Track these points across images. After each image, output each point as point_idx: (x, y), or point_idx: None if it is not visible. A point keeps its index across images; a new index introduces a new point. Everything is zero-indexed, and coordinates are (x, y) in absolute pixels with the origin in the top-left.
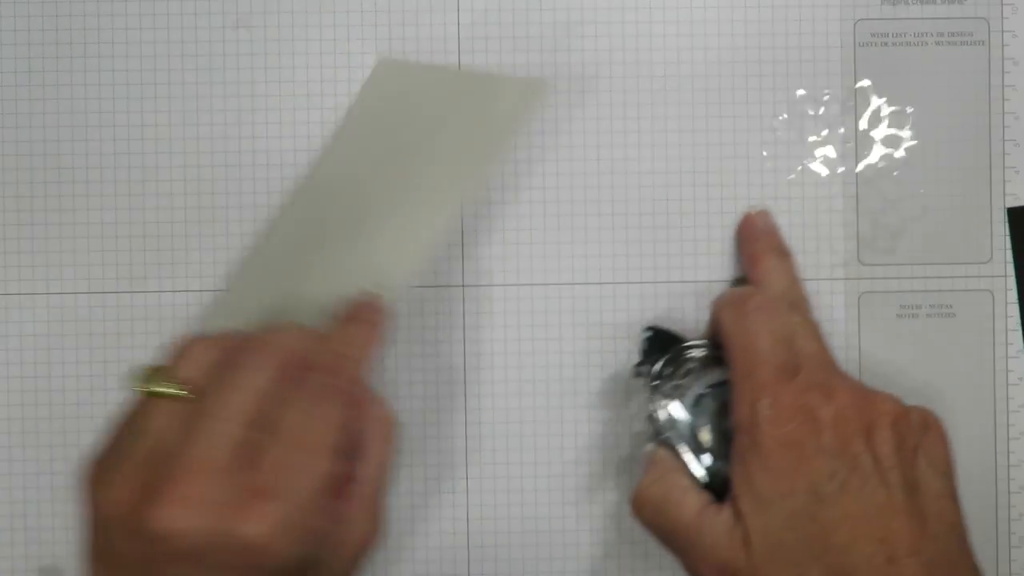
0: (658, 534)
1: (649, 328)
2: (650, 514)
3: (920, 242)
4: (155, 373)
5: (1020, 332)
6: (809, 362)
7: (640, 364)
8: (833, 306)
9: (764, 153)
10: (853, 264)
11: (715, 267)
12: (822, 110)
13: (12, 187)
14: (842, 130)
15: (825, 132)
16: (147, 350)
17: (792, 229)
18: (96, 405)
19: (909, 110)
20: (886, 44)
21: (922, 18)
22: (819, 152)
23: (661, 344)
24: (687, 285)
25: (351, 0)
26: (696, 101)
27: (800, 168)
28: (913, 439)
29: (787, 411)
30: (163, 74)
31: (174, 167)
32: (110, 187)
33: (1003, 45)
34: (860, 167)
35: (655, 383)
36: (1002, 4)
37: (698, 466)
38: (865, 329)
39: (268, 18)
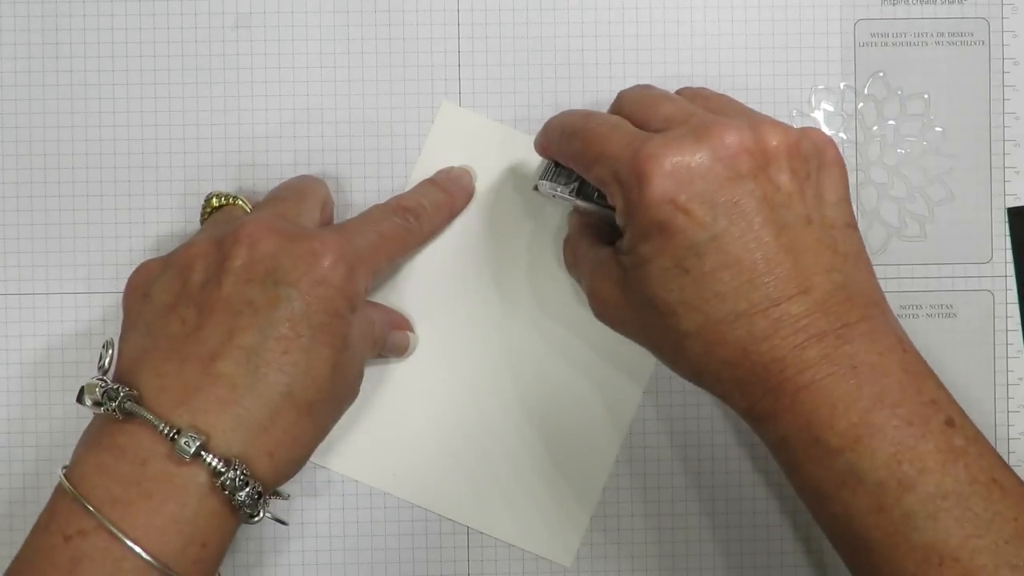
0: (573, 275)
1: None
2: (565, 259)
3: (920, 242)
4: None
5: (1020, 332)
6: (671, 119)
7: (543, 179)
8: None
9: None
10: None
11: None
12: (822, 110)
13: (12, 187)
14: (841, 129)
15: (824, 132)
16: None
17: None
18: None
19: (909, 110)
20: (886, 44)
21: (922, 18)
22: None
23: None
24: None
25: (351, 0)
26: None
27: None
28: (810, 170)
29: (648, 172)
30: (163, 74)
31: (174, 167)
32: (110, 187)
33: (1003, 45)
34: (860, 166)
35: (559, 184)
36: (1002, 4)
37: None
38: None
39: (268, 18)
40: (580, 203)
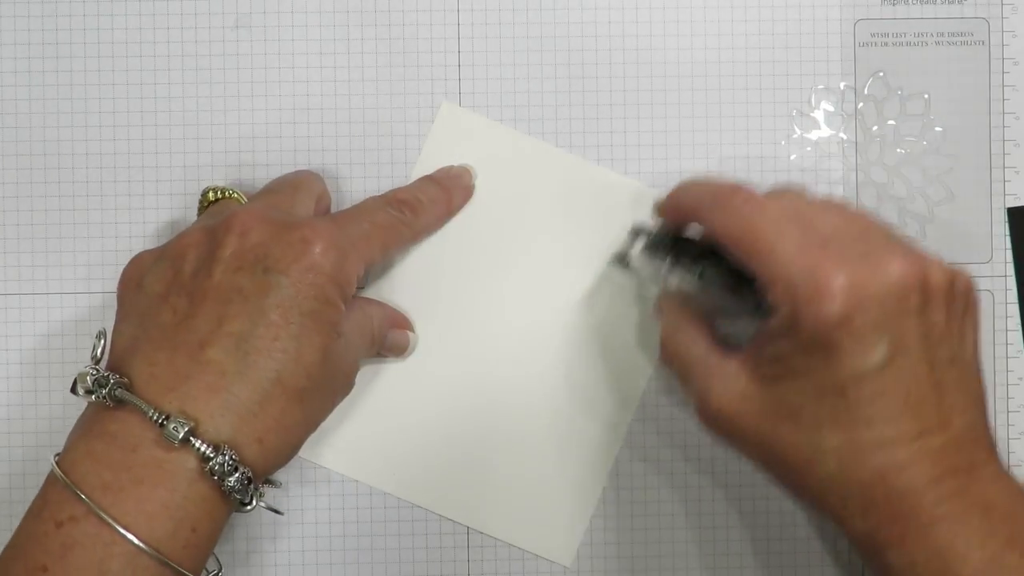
0: (674, 371)
1: (635, 227)
2: (666, 354)
3: (920, 242)
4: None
5: (1020, 332)
6: (837, 233)
7: (628, 252)
8: None
9: (763, 153)
10: None
11: None
12: (822, 110)
13: (12, 187)
14: (841, 129)
15: (825, 132)
16: None
17: None
18: None
19: (909, 110)
20: (886, 44)
21: (922, 18)
22: (818, 152)
23: (649, 236)
24: None
25: (351, 0)
26: (696, 101)
27: (799, 169)
28: (959, 311)
29: (830, 289)
30: (163, 74)
31: (174, 167)
32: (110, 187)
33: (1003, 45)
34: (860, 166)
35: (657, 257)
36: (1002, 4)
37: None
38: None
39: (268, 18)
40: (695, 286)
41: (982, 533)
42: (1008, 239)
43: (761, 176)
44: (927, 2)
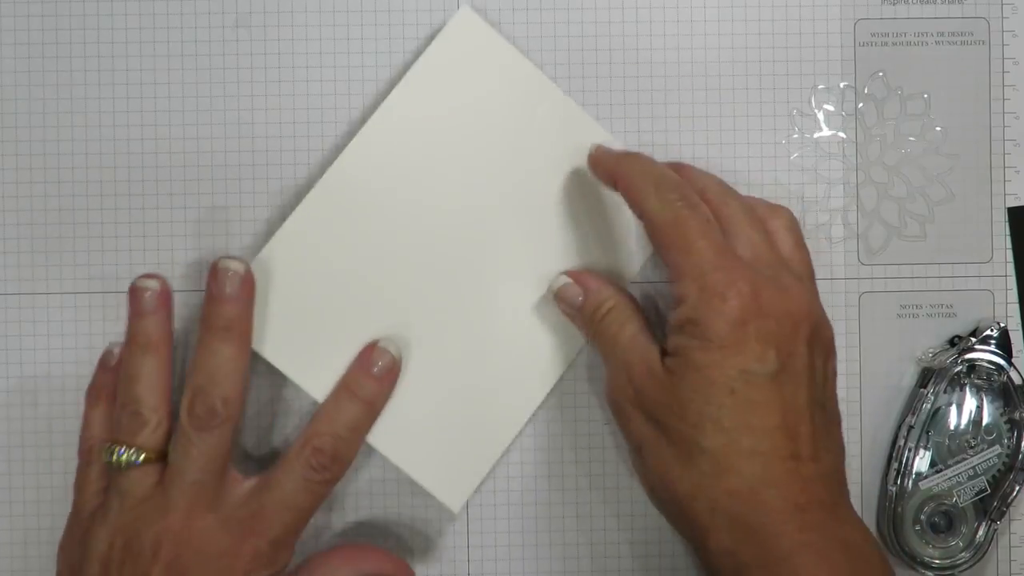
0: (601, 341)
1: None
2: (599, 328)
3: (920, 242)
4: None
5: (1020, 332)
6: (756, 252)
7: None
8: (833, 306)
9: (763, 153)
10: (853, 264)
11: None
12: (822, 110)
13: (12, 187)
14: (841, 129)
15: (825, 132)
16: None
17: None
18: None
19: (909, 110)
20: (886, 44)
21: (922, 18)
22: (818, 152)
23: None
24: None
25: (351, 0)
26: (696, 101)
27: (799, 168)
28: (828, 360)
29: (736, 291)
30: (163, 74)
31: (174, 167)
32: (110, 187)
33: (1003, 45)
34: (860, 166)
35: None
36: (1002, 4)
37: None
38: (865, 329)
39: (268, 18)
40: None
41: (841, 568)
42: (1008, 239)
43: (761, 176)
44: (927, 2)
